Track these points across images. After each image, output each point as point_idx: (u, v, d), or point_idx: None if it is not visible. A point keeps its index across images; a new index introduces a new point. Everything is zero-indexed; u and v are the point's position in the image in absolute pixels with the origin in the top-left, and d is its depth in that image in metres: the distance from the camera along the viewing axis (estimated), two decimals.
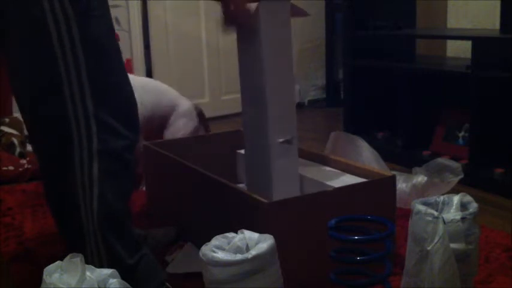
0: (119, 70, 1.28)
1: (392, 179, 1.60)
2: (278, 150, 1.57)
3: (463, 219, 1.24)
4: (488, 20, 2.96)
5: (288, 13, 1.55)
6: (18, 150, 2.66)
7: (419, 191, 1.95)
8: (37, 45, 1.19)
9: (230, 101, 3.90)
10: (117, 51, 1.29)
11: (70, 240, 1.31)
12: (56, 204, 1.32)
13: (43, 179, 1.33)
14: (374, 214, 1.36)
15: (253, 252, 1.09)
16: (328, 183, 1.61)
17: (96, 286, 0.97)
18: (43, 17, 1.16)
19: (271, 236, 1.15)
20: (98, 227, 1.26)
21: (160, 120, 2.37)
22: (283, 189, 1.58)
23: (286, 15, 1.54)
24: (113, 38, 1.27)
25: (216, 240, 1.15)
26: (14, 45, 1.22)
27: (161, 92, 2.41)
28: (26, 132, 2.83)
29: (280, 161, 1.58)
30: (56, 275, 0.97)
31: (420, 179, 1.97)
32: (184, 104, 2.43)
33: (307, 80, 4.21)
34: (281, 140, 1.57)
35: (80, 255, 0.98)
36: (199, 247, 1.15)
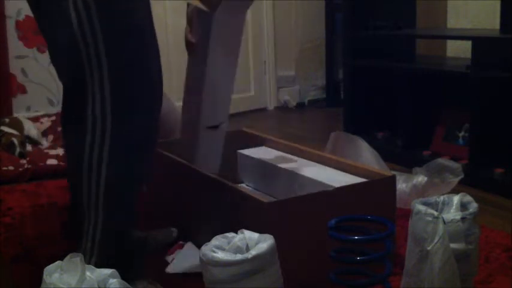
0: (143, 50, 1.29)
1: (392, 179, 1.60)
2: (205, 136, 1.71)
3: (463, 219, 1.24)
4: (488, 20, 2.96)
5: (243, 15, 1.65)
6: (18, 150, 2.66)
7: (420, 191, 1.95)
8: (62, 35, 1.23)
9: None
10: (141, 30, 1.28)
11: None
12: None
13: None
14: (374, 214, 1.36)
15: (253, 252, 1.09)
16: (328, 183, 1.61)
17: (96, 286, 0.97)
18: (66, 7, 1.20)
19: (271, 236, 1.15)
20: (102, 206, 1.29)
21: (167, 131, 2.42)
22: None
23: (241, 15, 1.64)
24: (136, 17, 1.27)
25: (216, 240, 1.15)
26: (47, 34, 1.29)
27: (169, 109, 2.50)
28: (26, 132, 2.83)
29: (206, 145, 1.73)
30: (56, 275, 0.97)
31: (420, 179, 1.97)
32: None
33: (307, 80, 4.21)
34: (209, 125, 1.70)
35: (80, 255, 0.98)
36: (199, 247, 1.15)
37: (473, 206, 1.28)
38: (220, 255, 1.09)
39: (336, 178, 1.66)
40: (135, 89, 1.28)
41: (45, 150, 2.77)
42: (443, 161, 1.99)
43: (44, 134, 2.98)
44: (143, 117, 1.31)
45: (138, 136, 1.31)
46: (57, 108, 3.14)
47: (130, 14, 1.26)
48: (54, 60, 1.34)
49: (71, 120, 1.31)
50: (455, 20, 3.21)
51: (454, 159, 2.22)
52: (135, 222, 1.47)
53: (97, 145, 1.26)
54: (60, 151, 2.68)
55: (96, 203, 1.30)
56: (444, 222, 1.20)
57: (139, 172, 1.37)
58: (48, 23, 1.28)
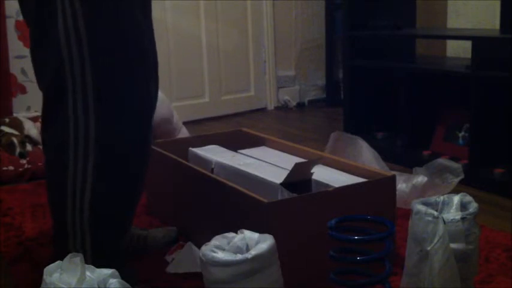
0: (132, 56, 1.24)
1: (392, 179, 1.60)
2: None
3: (463, 219, 1.24)
4: (488, 20, 2.96)
5: None
6: (18, 150, 2.66)
7: (420, 191, 1.95)
8: (46, 41, 1.20)
9: (230, 101, 3.90)
10: (131, 38, 1.24)
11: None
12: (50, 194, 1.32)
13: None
14: (374, 214, 1.36)
15: (253, 252, 1.09)
16: (328, 183, 1.61)
17: (96, 286, 0.97)
18: (55, 13, 1.18)
19: (271, 236, 1.15)
20: (87, 224, 1.26)
21: (162, 136, 2.44)
22: None
23: None
24: (125, 24, 1.22)
25: (216, 240, 1.15)
26: (32, 38, 1.25)
27: (171, 111, 2.50)
28: (26, 132, 2.83)
29: None
30: (56, 275, 0.97)
31: (420, 179, 1.97)
32: (185, 130, 2.69)
33: (307, 80, 4.21)
34: None
35: (80, 255, 0.98)
36: (199, 247, 1.15)
37: (473, 206, 1.28)
38: (220, 255, 1.09)
39: (336, 178, 1.66)
40: (122, 98, 1.24)
41: None
42: (443, 161, 1.99)
43: None
44: (131, 131, 1.26)
45: (126, 150, 1.27)
46: None
47: (118, 21, 1.22)
48: (36, 66, 1.29)
49: (52, 134, 1.26)
50: (455, 20, 3.21)
51: (454, 159, 2.22)
52: (130, 228, 1.45)
53: (80, 164, 1.22)
54: None
55: (82, 232, 1.26)
56: (444, 222, 1.20)
57: (131, 193, 1.32)
58: (34, 28, 1.24)
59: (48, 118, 1.27)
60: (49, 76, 1.23)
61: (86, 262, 1.05)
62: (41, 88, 1.29)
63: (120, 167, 1.27)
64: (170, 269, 1.61)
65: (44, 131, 1.30)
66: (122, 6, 1.22)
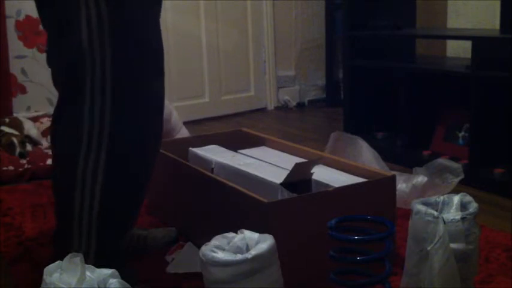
0: (149, 63, 1.29)
1: (392, 179, 1.60)
2: None
3: (463, 219, 1.24)
4: (488, 20, 2.96)
5: None
6: (18, 150, 2.66)
7: (420, 191, 1.95)
8: (69, 40, 1.21)
9: (230, 101, 3.90)
10: (149, 44, 1.28)
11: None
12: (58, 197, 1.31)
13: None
14: (374, 214, 1.36)
15: (253, 252, 1.09)
16: (328, 183, 1.61)
17: (96, 286, 0.97)
18: (79, 15, 1.19)
19: (271, 236, 1.15)
20: (96, 222, 1.26)
21: (166, 133, 2.45)
22: None
23: None
24: (146, 30, 1.25)
25: (216, 240, 1.15)
26: (51, 38, 1.27)
27: (170, 111, 2.52)
28: (26, 132, 2.84)
29: None
30: (56, 275, 0.97)
31: (420, 179, 1.97)
32: (185, 130, 2.71)
33: (307, 80, 4.21)
34: None
35: (80, 255, 0.98)
36: (199, 247, 1.15)
37: (473, 206, 1.28)
38: (220, 255, 1.09)
39: (336, 178, 1.66)
40: (135, 98, 1.26)
41: (45, 150, 2.77)
42: (443, 161, 1.99)
43: (44, 134, 2.99)
44: (144, 132, 1.28)
45: (137, 152, 1.28)
46: None
47: (142, 26, 1.25)
48: (54, 64, 1.30)
49: (64, 130, 1.26)
50: (455, 20, 3.21)
51: (454, 159, 2.22)
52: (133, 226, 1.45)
53: (92, 159, 1.22)
54: None
55: (88, 231, 1.26)
56: (444, 222, 1.20)
57: (139, 192, 1.33)
58: (56, 29, 1.25)
59: (62, 110, 1.27)
60: (68, 73, 1.24)
61: (89, 262, 1.05)
62: (56, 86, 1.30)
63: (130, 164, 1.27)
64: (170, 269, 1.61)
65: (55, 123, 1.29)
66: (143, 6, 1.25)
